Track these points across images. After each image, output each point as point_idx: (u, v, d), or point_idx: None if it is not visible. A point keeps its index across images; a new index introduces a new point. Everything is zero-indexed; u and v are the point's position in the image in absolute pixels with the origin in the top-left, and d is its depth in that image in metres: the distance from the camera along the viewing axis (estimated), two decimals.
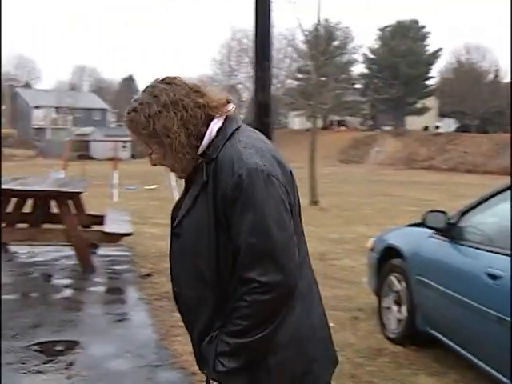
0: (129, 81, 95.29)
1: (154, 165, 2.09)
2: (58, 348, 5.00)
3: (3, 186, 7.63)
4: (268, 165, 1.88)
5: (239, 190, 1.83)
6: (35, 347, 4.95)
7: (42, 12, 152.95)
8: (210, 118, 1.98)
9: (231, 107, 2.05)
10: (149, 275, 7.55)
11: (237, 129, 2.00)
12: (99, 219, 8.76)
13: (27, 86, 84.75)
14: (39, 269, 7.86)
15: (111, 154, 29.95)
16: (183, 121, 1.94)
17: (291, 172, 2.02)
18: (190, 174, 2.04)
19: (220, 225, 1.89)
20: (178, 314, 2.77)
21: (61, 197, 7.50)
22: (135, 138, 2.04)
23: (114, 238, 7.68)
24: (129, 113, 2.00)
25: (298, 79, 50.59)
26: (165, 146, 1.97)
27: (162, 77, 2.04)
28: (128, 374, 4.55)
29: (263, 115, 3.88)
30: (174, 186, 16.66)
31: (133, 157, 48.80)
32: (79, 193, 7.90)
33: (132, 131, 2.02)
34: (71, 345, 5.07)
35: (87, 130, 58.41)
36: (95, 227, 8.84)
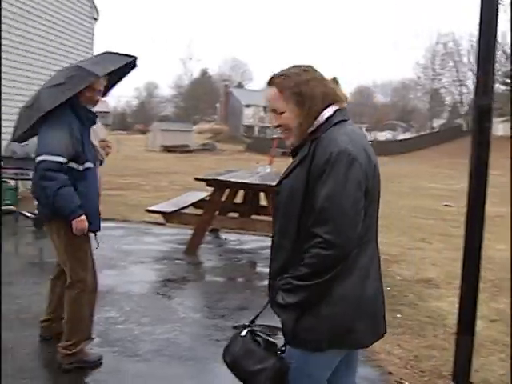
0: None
1: (278, 126, 2.43)
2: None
3: (220, 178, 8.04)
4: (356, 151, 2.23)
5: (328, 164, 2.20)
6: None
7: (257, 19, 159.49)
8: (329, 104, 2.36)
9: (345, 104, 2.43)
10: None
11: (342, 120, 2.35)
12: None
13: (239, 86, 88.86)
14: (246, 256, 8.22)
15: None
16: (322, 94, 2.35)
17: (375, 165, 2.36)
18: (297, 148, 2.41)
19: (307, 190, 2.27)
20: None
21: (270, 191, 7.74)
22: (276, 96, 2.38)
23: None
24: (278, 76, 2.39)
25: (505, 84, 47.63)
26: (302, 108, 2.34)
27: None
28: None
29: (484, 120, 3.64)
30: None
31: None
32: None
33: (278, 90, 2.37)
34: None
35: None
36: None
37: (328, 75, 2.43)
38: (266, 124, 70.17)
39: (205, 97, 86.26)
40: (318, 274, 2.21)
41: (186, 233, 8.75)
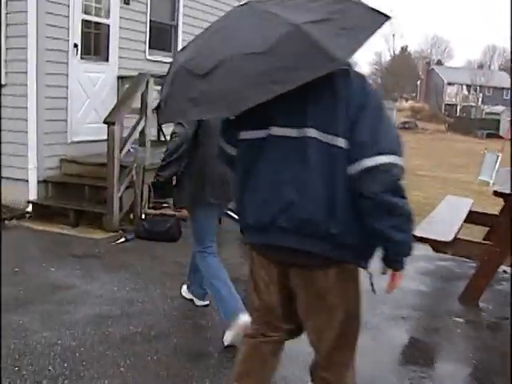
0: None
1: None
2: None
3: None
4: None
5: None
6: None
7: None
8: None
9: None
10: None
11: None
12: None
13: (439, 63, 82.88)
14: None
15: None
16: None
17: None
18: None
19: None
20: None
21: None
22: None
23: None
24: None
25: None
26: None
27: None
28: None
29: None
30: None
31: None
32: None
33: None
34: None
35: (498, 108, 53.80)
36: None
37: None
38: (471, 103, 64.46)
39: (404, 74, 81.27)
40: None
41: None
